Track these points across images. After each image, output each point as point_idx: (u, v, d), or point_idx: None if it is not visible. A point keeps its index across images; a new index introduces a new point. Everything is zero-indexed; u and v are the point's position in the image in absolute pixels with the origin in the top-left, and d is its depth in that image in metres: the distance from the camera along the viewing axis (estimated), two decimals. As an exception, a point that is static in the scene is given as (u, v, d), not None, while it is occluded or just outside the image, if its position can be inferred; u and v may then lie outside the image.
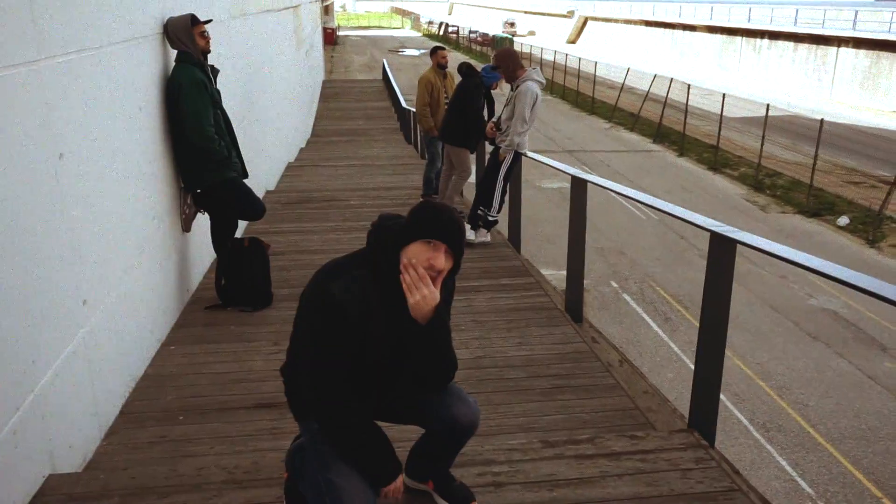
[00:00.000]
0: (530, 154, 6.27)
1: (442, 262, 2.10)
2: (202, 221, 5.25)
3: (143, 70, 4.12)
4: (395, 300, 2.13)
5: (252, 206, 4.89)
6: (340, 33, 63.52)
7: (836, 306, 13.84)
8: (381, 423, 2.37)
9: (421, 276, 2.09)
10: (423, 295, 2.09)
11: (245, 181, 4.97)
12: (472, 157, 7.31)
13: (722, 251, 2.94)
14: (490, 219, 6.49)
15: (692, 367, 11.46)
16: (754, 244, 2.86)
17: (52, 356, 2.80)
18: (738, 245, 2.92)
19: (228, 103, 5.43)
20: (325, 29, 31.22)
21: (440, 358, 2.19)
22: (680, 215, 3.28)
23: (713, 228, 2.97)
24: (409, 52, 54.34)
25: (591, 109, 34.63)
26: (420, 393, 2.31)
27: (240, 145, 5.00)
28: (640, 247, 16.48)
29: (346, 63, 44.87)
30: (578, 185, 4.70)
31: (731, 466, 2.80)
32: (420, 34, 77.90)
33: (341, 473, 2.18)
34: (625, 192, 3.99)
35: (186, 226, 4.94)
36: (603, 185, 4.37)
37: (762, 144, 22.28)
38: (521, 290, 5.27)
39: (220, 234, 5.07)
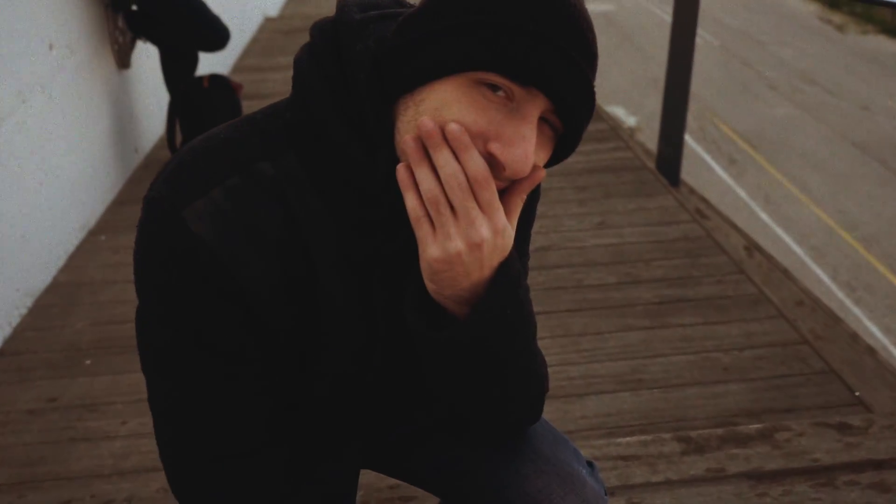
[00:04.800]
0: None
1: (530, 147, 0.69)
2: (152, 53, 3.81)
3: None
4: (373, 234, 0.77)
5: (206, 29, 3.37)
6: None
7: (928, 142, 12.06)
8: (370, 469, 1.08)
9: (478, 177, 0.68)
10: (471, 241, 0.69)
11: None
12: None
13: None
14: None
15: (763, 216, 10.02)
16: None
17: None
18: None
19: None
20: None
21: (506, 384, 0.82)
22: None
23: None
24: None
25: (639, -80, 30.79)
26: (463, 444, 0.97)
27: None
28: (700, 77, 14.48)
29: None
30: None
31: None
32: None
33: None
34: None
35: (122, 60, 3.50)
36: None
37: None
38: (593, 141, 3.81)
39: (173, 71, 3.63)
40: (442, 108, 0.69)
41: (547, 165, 0.77)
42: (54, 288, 2.65)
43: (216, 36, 3.40)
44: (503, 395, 0.82)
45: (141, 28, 3.45)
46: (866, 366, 2.15)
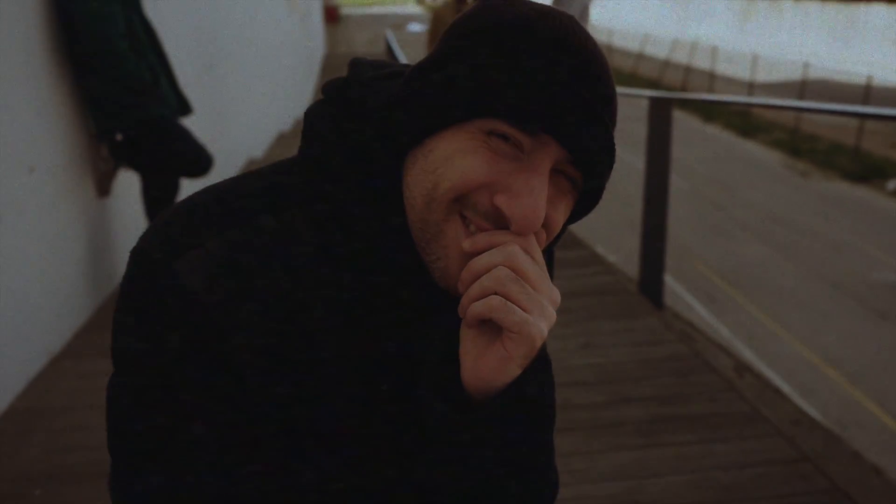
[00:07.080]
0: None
1: (540, 201, 0.64)
2: (133, 181, 3.83)
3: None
4: (383, 301, 0.70)
5: (191, 156, 3.42)
6: (343, 12, 61.78)
7: (901, 279, 12.28)
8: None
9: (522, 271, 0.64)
10: (556, 302, 0.67)
11: (184, 120, 3.54)
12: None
13: None
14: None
15: (747, 353, 9.97)
16: None
17: None
18: None
19: (184, 38, 3.96)
20: (326, 7, 29.42)
21: (529, 474, 0.69)
22: None
23: None
24: (415, 27, 52.70)
25: (608, 79, 33.00)
26: None
27: (208, 95, 3.56)
28: (673, 218, 14.91)
29: (349, 40, 43.21)
30: (660, 110, 3.24)
31: None
32: (427, 11, 75.86)
33: None
34: (755, 102, 2.53)
35: (103, 188, 3.51)
36: (704, 98, 2.91)
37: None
38: (574, 266, 3.81)
39: (155, 199, 3.64)
40: (450, 159, 0.66)
41: (570, 221, 0.73)
42: (10, 415, 2.49)
43: (198, 165, 3.44)
44: (523, 488, 0.70)
45: (124, 157, 3.49)
46: (874, 485, 2.03)
